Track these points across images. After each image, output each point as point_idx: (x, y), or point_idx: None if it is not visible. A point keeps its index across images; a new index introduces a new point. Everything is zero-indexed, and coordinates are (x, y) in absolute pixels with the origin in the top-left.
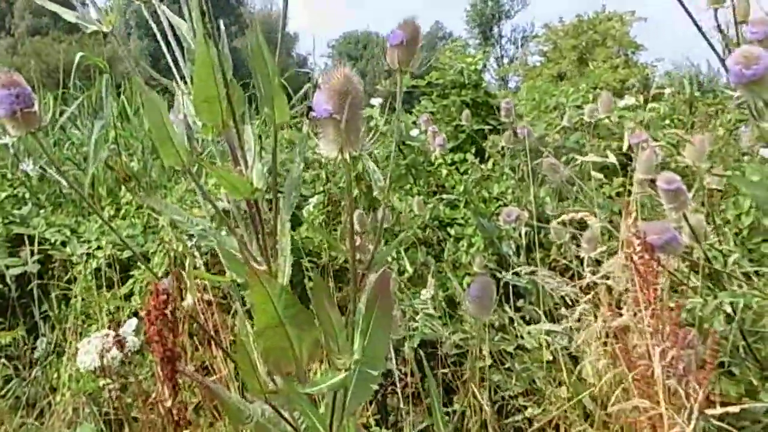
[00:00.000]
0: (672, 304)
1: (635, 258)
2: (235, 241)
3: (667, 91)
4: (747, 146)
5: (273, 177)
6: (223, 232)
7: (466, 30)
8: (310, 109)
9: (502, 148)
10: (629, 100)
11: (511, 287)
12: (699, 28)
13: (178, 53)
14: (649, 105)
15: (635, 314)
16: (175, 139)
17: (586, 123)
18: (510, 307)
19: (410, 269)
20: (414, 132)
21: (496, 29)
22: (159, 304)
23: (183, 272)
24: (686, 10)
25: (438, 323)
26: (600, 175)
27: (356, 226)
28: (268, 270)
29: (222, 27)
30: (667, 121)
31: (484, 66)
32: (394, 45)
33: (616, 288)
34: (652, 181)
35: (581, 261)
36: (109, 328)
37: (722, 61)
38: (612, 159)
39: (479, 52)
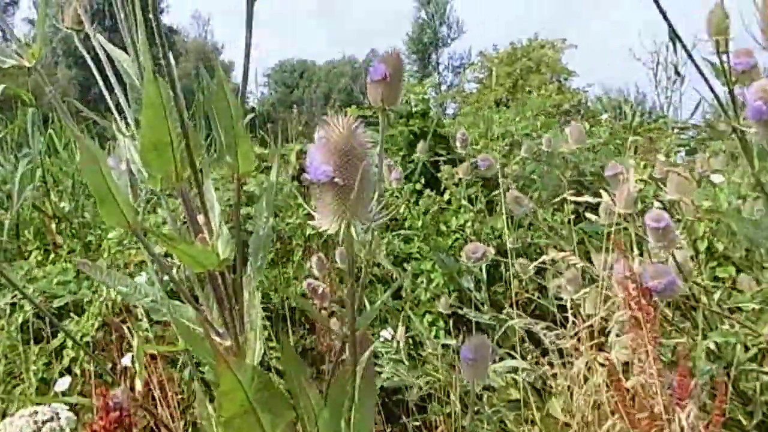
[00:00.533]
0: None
1: (632, 303)
2: (192, 311)
3: (605, 116)
4: (698, 172)
5: (237, 237)
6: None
7: (404, 56)
8: (302, 170)
9: (459, 179)
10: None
11: (474, 323)
12: (689, 53)
13: (117, 89)
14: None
15: (637, 360)
16: (119, 197)
17: (544, 152)
18: None
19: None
20: None
21: (434, 56)
22: (109, 424)
23: (121, 323)
24: (678, 37)
25: (403, 368)
26: (593, 216)
27: (315, 271)
28: (235, 346)
29: (173, 62)
30: (611, 147)
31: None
32: (376, 80)
33: (598, 326)
34: (630, 215)
35: (542, 292)
36: (36, 390)
37: (713, 90)
38: (606, 198)
39: (424, 82)
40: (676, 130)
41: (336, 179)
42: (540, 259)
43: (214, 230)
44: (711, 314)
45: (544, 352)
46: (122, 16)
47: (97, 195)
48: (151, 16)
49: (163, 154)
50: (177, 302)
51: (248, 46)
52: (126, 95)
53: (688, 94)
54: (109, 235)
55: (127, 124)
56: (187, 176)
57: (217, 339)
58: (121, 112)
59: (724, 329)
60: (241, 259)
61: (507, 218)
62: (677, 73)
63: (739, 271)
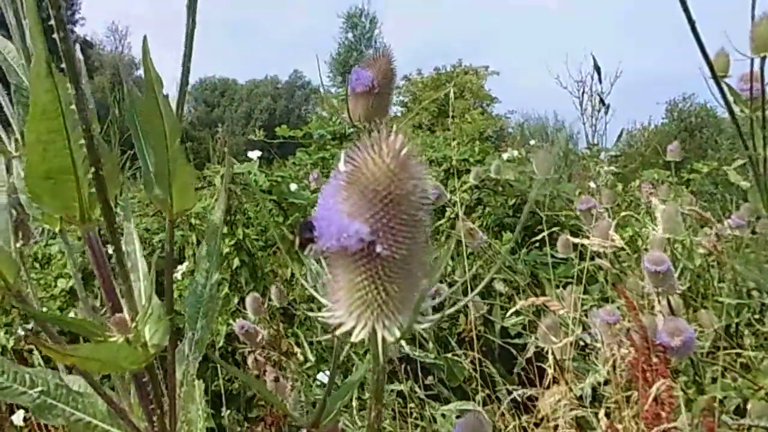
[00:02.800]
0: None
1: (642, 360)
2: (102, 404)
3: (533, 142)
4: (644, 201)
5: (168, 301)
6: (79, 385)
7: (328, 78)
8: (306, 227)
9: None
10: (512, 152)
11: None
12: (715, 79)
13: (1, 93)
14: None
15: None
16: None
17: (491, 180)
18: (419, 387)
19: (311, 357)
20: (293, 186)
21: None
22: None
23: None
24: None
25: (347, 418)
26: (599, 263)
27: (250, 313)
28: None
29: (80, 55)
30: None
31: None
32: (361, 91)
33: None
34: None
35: (488, 327)
36: None
37: (732, 116)
38: (618, 243)
39: None
40: (607, 158)
41: (377, 246)
42: (519, 304)
43: (142, 304)
44: (697, 362)
45: (494, 385)
46: None
47: None
48: None
49: (62, 186)
50: (79, 391)
51: (190, 37)
52: (11, 100)
53: (612, 122)
54: None
55: (16, 140)
56: (96, 217)
57: None
58: (5, 127)
59: (724, 382)
60: (172, 329)
61: (453, 250)
62: (602, 102)
63: (685, 302)
